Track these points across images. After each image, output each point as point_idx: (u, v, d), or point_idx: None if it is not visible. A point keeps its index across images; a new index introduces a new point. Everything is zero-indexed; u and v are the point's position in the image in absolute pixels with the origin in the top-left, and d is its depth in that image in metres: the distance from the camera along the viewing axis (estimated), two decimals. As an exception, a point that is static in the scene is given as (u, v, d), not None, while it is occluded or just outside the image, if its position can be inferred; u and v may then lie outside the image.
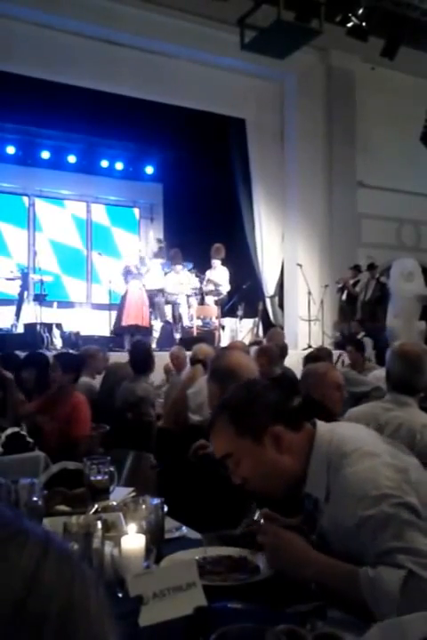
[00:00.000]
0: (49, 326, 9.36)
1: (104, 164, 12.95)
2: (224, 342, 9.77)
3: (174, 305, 10.86)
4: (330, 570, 1.46)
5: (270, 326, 10.08)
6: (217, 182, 11.83)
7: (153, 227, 13.36)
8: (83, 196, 13.08)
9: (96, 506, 1.95)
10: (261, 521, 1.71)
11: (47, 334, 9.14)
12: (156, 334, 10.58)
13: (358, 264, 11.06)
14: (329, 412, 2.97)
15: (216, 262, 10.83)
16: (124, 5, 9.40)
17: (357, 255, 11.57)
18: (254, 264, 11.87)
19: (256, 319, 11.18)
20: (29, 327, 9.49)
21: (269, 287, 11.87)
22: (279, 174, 11.65)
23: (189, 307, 10.78)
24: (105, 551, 1.45)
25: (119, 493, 2.21)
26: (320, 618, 1.30)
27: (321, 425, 1.66)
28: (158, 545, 1.61)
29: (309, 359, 5.05)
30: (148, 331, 10.24)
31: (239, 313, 10.96)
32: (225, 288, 10.86)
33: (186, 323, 10.74)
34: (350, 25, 9.09)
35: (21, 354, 6.19)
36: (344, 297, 11.05)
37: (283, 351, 6.01)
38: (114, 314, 10.33)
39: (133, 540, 1.50)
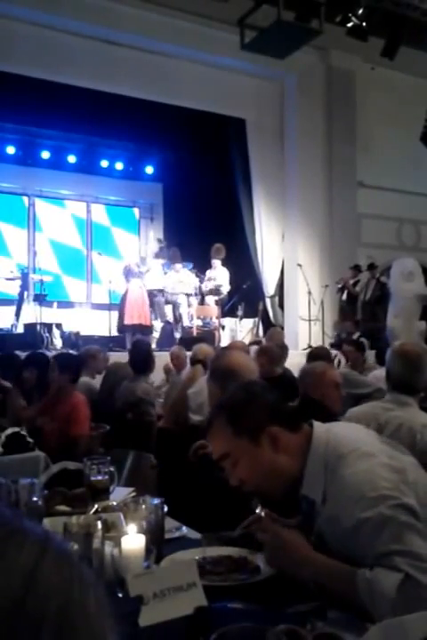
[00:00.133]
0: (49, 326, 9.36)
1: (104, 163, 12.94)
2: (224, 342, 9.76)
3: (175, 305, 10.86)
4: (328, 570, 1.46)
5: (270, 326, 10.09)
6: (217, 182, 11.83)
7: (153, 227, 13.35)
8: (83, 196, 13.07)
9: (96, 506, 1.95)
10: (262, 514, 1.71)
11: (47, 334, 9.14)
12: (156, 334, 10.59)
13: (358, 264, 11.06)
14: (329, 411, 2.97)
15: (216, 262, 10.83)
16: (123, 5, 9.40)
17: (357, 255, 11.57)
18: (254, 264, 11.87)
19: (256, 319, 11.19)
20: (29, 327, 9.49)
21: (270, 287, 11.87)
22: (279, 174, 11.65)
23: (189, 306, 10.79)
24: (105, 551, 1.45)
25: (119, 493, 2.21)
26: (320, 618, 1.30)
27: (318, 425, 1.65)
28: (158, 545, 1.61)
29: (311, 358, 5.07)
30: (149, 330, 10.25)
31: (239, 313, 10.97)
32: (225, 288, 10.86)
33: (186, 323, 10.74)
34: (350, 25, 9.08)
35: (22, 354, 6.19)
36: (344, 297, 11.05)
37: (284, 351, 6.01)
38: (114, 314, 10.32)
39: (133, 540, 1.50)
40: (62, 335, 9.46)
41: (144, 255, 10.91)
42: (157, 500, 1.74)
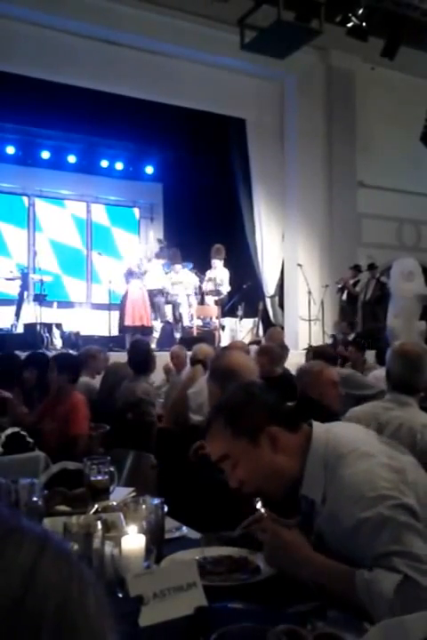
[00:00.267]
0: (49, 326, 9.35)
1: (104, 163, 12.94)
2: (224, 342, 9.77)
3: (175, 305, 10.87)
4: (328, 570, 1.46)
5: (270, 326, 10.08)
6: (217, 182, 11.83)
7: (153, 227, 13.35)
8: (83, 196, 13.07)
9: (96, 506, 1.95)
10: (263, 510, 1.71)
11: (47, 334, 9.14)
12: (156, 334, 10.59)
13: (359, 264, 11.06)
14: (328, 409, 2.98)
15: (216, 262, 10.84)
16: (124, 5, 9.40)
17: (357, 255, 11.57)
18: (254, 264, 11.87)
19: (256, 319, 11.19)
20: (29, 327, 9.49)
21: (270, 287, 11.88)
22: (279, 174, 11.65)
23: (189, 306, 10.79)
24: (105, 551, 1.45)
25: (119, 493, 2.21)
26: (320, 618, 1.30)
27: (318, 426, 1.65)
28: (158, 545, 1.61)
29: (315, 356, 5.09)
30: (150, 331, 10.26)
31: (239, 313, 10.97)
32: (225, 288, 10.87)
33: (186, 323, 10.74)
34: (350, 25, 9.08)
35: (22, 354, 6.19)
36: (344, 297, 11.06)
37: (284, 351, 6.01)
38: (114, 314, 10.33)
39: (133, 540, 1.50)
40: (62, 335, 9.46)
41: (144, 255, 10.90)
42: (157, 500, 1.74)
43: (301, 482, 1.58)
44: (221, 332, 10.50)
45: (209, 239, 10.96)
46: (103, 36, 9.77)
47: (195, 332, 10.27)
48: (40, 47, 9.42)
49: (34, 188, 12.49)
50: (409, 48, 10.12)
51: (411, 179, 11.86)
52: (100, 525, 1.46)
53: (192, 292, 10.84)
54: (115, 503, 1.98)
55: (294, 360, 6.39)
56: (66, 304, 12.18)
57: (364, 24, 9.03)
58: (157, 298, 10.76)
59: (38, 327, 9.21)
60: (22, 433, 3.59)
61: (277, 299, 11.95)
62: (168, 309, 10.99)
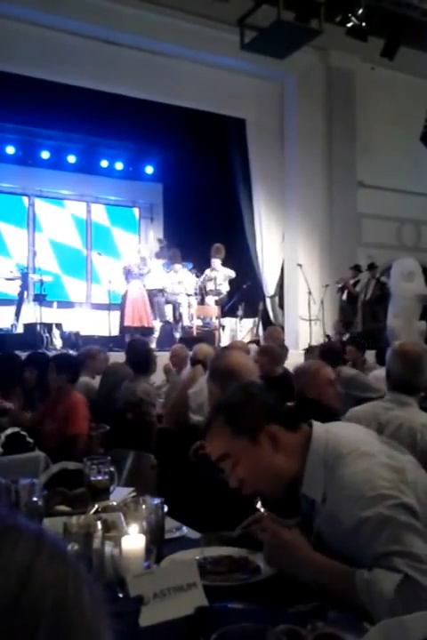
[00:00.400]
0: (49, 326, 9.35)
1: (104, 163, 12.94)
2: (224, 342, 9.77)
3: (175, 305, 10.87)
4: (328, 570, 1.45)
5: (271, 326, 10.08)
6: (217, 182, 11.83)
7: (153, 227, 13.35)
8: (83, 196, 13.07)
9: (96, 506, 1.95)
10: (262, 510, 1.70)
11: (47, 334, 9.14)
12: (156, 334, 10.59)
13: (359, 264, 11.06)
14: (328, 408, 2.98)
15: (216, 261, 10.84)
16: (124, 5, 9.41)
17: (357, 255, 11.57)
18: (254, 264, 11.88)
19: (256, 319, 11.19)
20: (29, 327, 9.49)
21: (270, 287, 11.88)
22: (279, 174, 11.65)
23: (189, 306, 10.79)
24: (105, 551, 1.45)
25: (119, 493, 2.21)
26: (320, 618, 1.29)
27: (318, 426, 1.65)
28: (158, 545, 1.61)
29: (324, 352, 5.09)
30: (150, 331, 10.26)
31: (239, 313, 10.97)
32: (224, 287, 10.87)
33: (186, 322, 10.75)
34: (349, 25, 9.09)
35: (22, 354, 6.19)
36: (344, 297, 11.06)
37: (285, 351, 6.01)
38: (114, 314, 10.33)
39: (133, 540, 1.50)
40: (62, 335, 9.46)
41: (144, 255, 10.91)
42: (157, 500, 1.74)
43: (301, 481, 1.58)
44: (221, 331, 10.50)
45: (209, 239, 10.96)
46: (103, 35, 9.77)
47: (195, 332, 10.26)
48: (40, 47, 9.42)
49: (34, 188, 12.49)
50: (409, 48, 10.13)
51: (411, 179, 11.86)
52: (100, 525, 1.46)
53: (192, 292, 10.84)
54: (115, 503, 1.98)
55: (294, 360, 6.39)
56: (66, 304, 12.18)
57: (364, 24, 9.04)
58: (156, 298, 10.76)
59: (38, 327, 9.21)
60: (22, 433, 3.59)
61: (277, 299, 11.95)
62: (168, 309, 10.99)
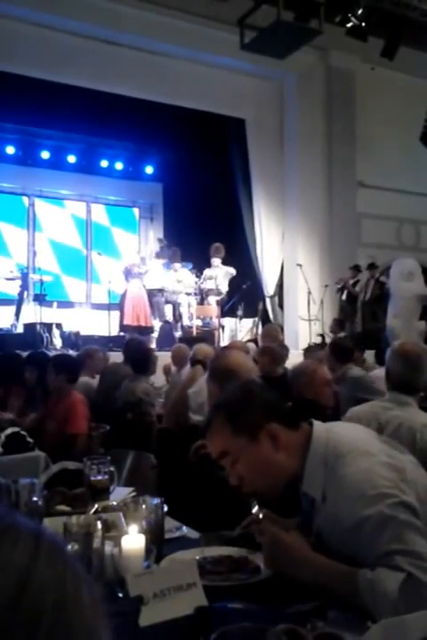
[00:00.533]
0: (49, 326, 9.35)
1: (104, 163, 12.95)
2: (224, 342, 9.76)
3: (175, 304, 10.87)
4: (328, 571, 1.45)
5: (270, 326, 10.08)
6: (217, 182, 11.83)
7: (153, 226, 13.36)
8: (83, 196, 13.07)
9: (96, 506, 1.95)
10: (261, 515, 1.71)
11: (47, 334, 9.14)
12: (155, 334, 10.59)
13: (358, 264, 11.06)
14: (324, 408, 2.98)
15: (216, 261, 10.84)
16: (124, 5, 9.40)
17: (357, 255, 11.57)
18: (254, 264, 11.88)
19: (256, 319, 11.19)
20: (29, 327, 9.49)
21: (270, 287, 11.88)
22: (279, 174, 11.65)
23: (188, 306, 10.79)
24: (105, 551, 1.45)
25: (119, 493, 2.21)
26: (320, 618, 1.30)
27: (318, 425, 1.65)
28: (158, 545, 1.61)
29: (334, 348, 5.09)
30: (150, 330, 10.26)
31: (239, 313, 10.97)
32: (223, 287, 10.87)
33: (186, 322, 10.74)
34: (349, 25, 9.08)
35: (22, 354, 6.18)
36: (344, 297, 11.06)
37: (285, 351, 5.99)
38: (114, 314, 10.33)
39: (133, 540, 1.50)
40: (62, 335, 9.46)
41: (144, 255, 10.91)
42: (157, 500, 1.74)
43: (301, 480, 1.59)
44: (221, 331, 10.50)
45: (209, 239, 10.96)
46: (103, 36, 9.77)
47: (195, 332, 10.26)
48: (40, 47, 9.42)
49: (34, 188, 12.50)
50: (409, 48, 10.12)
51: (411, 179, 11.86)
52: (100, 525, 1.46)
53: (192, 292, 10.84)
54: (115, 503, 1.98)
55: (294, 360, 6.39)
56: (66, 304, 12.19)
57: (363, 24, 9.03)
58: (156, 297, 10.76)
59: (38, 327, 9.21)
60: (22, 433, 3.59)
61: (276, 299, 11.95)
62: (168, 309, 10.99)
